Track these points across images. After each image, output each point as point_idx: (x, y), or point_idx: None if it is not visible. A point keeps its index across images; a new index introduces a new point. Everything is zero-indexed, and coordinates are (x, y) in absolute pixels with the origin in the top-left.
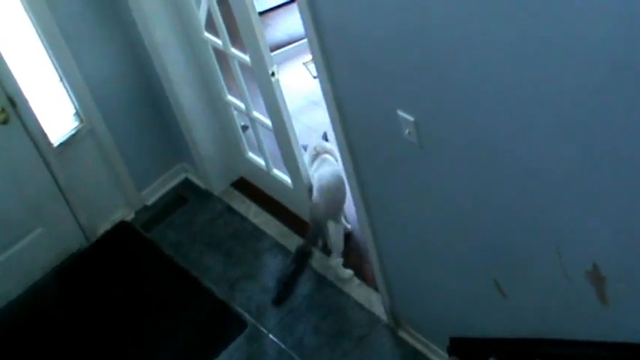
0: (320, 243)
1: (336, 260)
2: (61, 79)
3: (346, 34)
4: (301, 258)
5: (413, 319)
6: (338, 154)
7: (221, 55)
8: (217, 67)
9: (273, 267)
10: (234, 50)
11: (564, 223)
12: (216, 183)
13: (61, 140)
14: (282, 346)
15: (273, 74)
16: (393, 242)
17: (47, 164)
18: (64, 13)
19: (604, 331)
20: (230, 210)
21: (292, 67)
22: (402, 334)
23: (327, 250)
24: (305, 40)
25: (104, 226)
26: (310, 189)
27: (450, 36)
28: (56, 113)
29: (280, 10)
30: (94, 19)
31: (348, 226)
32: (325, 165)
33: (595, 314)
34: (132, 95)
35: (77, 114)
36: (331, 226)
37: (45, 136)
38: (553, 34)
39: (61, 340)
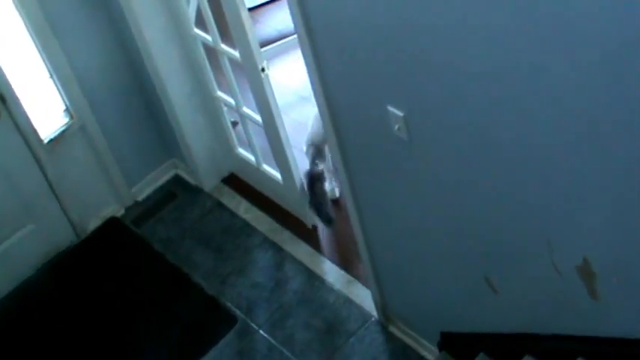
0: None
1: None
2: (51, 76)
3: (336, 30)
4: (314, 182)
5: (403, 314)
6: None
7: (211, 51)
8: (207, 63)
9: (263, 263)
10: (224, 46)
11: (555, 218)
12: (207, 179)
13: (52, 137)
14: (273, 341)
15: (263, 70)
16: (383, 238)
17: (37, 161)
18: (54, 8)
19: (594, 326)
20: (220, 206)
21: (282, 62)
22: (393, 329)
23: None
24: (295, 36)
25: (94, 223)
26: (301, 183)
27: (440, 31)
28: (46, 110)
29: (270, 6)
30: (84, 16)
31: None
32: None
33: (585, 309)
34: (122, 92)
35: (67, 110)
36: (326, 147)
37: (35, 132)
38: (545, 25)
39: (52, 337)
